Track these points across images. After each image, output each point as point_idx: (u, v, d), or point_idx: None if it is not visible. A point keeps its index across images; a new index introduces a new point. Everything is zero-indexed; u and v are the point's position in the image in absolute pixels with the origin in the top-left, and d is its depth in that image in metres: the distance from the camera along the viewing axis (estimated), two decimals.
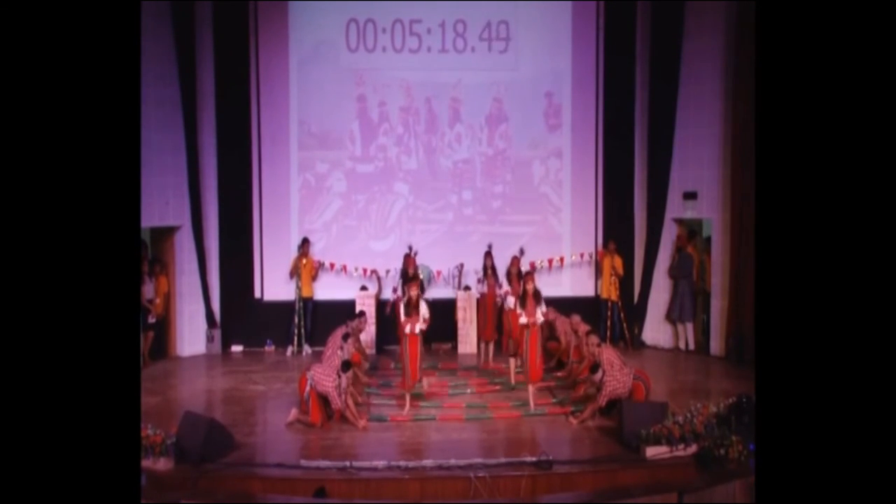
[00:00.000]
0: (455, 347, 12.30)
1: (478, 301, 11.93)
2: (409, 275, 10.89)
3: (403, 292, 10.39)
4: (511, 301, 9.75)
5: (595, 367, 8.75)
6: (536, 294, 9.15)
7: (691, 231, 12.37)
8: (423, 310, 9.07)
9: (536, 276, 9.69)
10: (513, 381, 10.10)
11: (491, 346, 11.46)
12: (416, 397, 9.42)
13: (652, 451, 7.50)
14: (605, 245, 12.57)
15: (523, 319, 9.07)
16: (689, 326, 12.18)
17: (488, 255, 11.52)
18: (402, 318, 9.11)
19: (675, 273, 12.17)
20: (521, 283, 9.40)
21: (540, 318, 9.14)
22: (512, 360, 10.19)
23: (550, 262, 12.66)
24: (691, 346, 12.17)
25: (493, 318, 11.38)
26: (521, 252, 11.16)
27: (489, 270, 11.43)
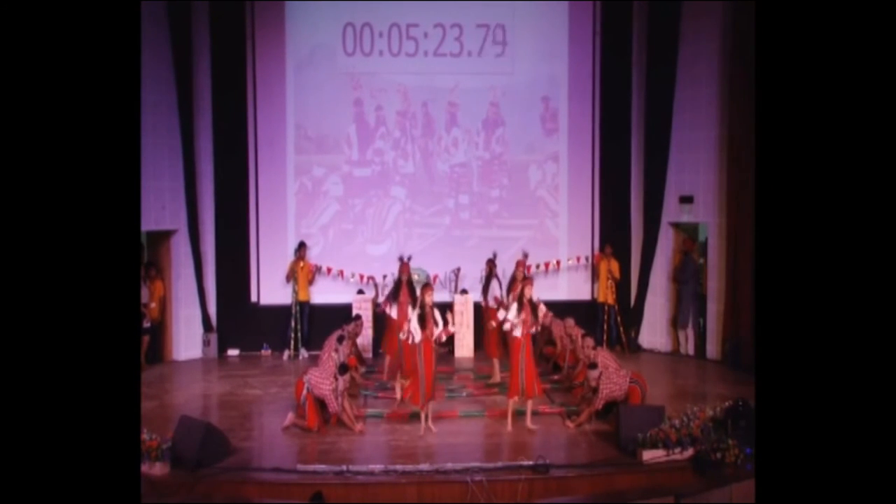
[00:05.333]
0: (451, 352, 12.29)
1: (478, 311, 11.77)
2: (405, 281, 10.45)
3: (395, 298, 10.02)
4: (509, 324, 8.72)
5: (593, 364, 8.76)
6: (532, 303, 8.68)
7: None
8: (438, 317, 8.47)
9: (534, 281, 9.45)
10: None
11: (496, 362, 10.60)
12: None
13: (648, 455, 7.50)
14: (601, 249, 12.57)
15: (513, 329, 8.53)
16: (692, 332, 12.17)
17: (491, 262, 11.15)
18: (415, 326, 8.39)
19: (679, 277, 12.16)
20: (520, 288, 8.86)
21: (513, 321, 8.54)
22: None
23: (547, 265, 12.67)
24: (691, 352, 12.15)
25: (494, 332, 10.49)
26: (525, 255, 10.86)
27: (490, 280, 10.96)
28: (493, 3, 12.56)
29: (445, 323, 8.56)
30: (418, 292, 10.26)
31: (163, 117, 11.50)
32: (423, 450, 7.99)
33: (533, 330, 8.76)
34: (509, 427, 8.59)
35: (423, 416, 8.51)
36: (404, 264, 10.78)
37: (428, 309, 8.46)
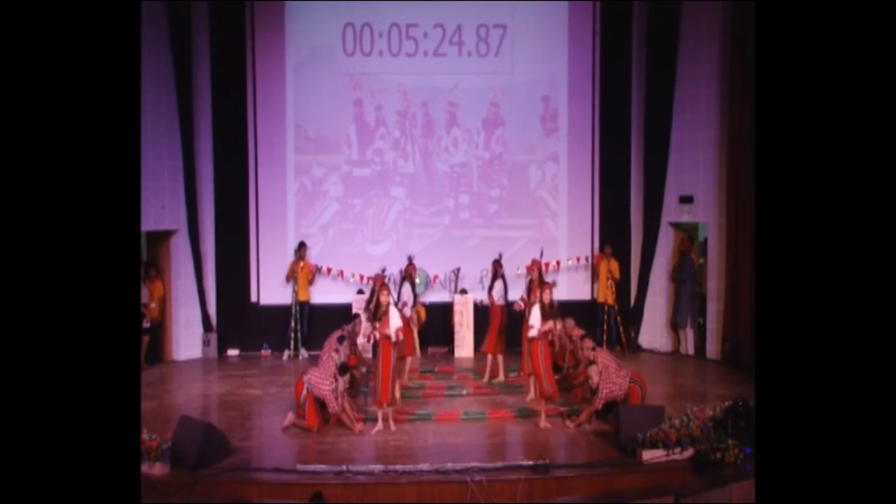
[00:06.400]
0: (451, 351, 12.29)
1: (480, 308, 11.74)
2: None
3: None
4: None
5: (593, 363, 8.76)
6: (550, 305, 8.78)
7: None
8: (395, 318, 8.54)
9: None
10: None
11: (500, 359, 10.57)
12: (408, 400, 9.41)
13: (648, 455, 7.50)
14: (601, 249, 12.56)
15: (533, 333, 8.66)
16: (691, 331, 12.18)
17: (497, 262, 10.97)
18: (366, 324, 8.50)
19: (677, 276, 12.17)
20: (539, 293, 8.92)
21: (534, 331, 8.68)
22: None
23: (547, 265, 12.64)
24: (691, 352, 12.15)
25: (498, 331, 10.49)
26: (542, 254, 10.83)
27: (495, 281, 10.75)
28: (493, 3, 12.56)
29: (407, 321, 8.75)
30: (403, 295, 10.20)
31: (162, 117, 11.49)
32: (423, 450, 7.99)
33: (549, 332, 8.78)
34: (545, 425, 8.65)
35: (380, 415, 8.50)
36: (410, 265, 10.78)
37: (384, 308, 8.54)
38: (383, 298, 8.66)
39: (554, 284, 9.36)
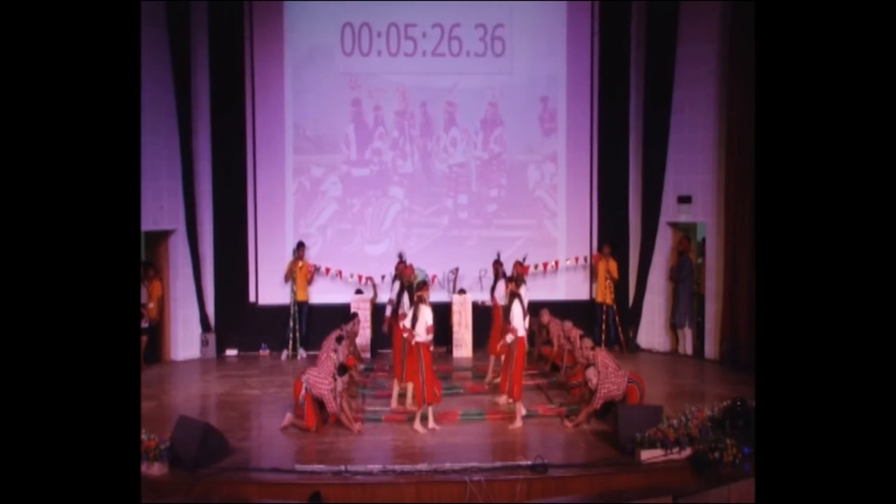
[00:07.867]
0: (450, 351, 12.29)
1: (480, 308, 11.74)
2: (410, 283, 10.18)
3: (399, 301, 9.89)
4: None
5: (591, 364, 8.78)
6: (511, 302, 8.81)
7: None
8: (427, 316, 8.69)
9: (530, 281, 9.40)
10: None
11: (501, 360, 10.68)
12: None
13: (647, 455, 7.50)
14: (600, 249, 12.58)
15: (510, 337, 8.75)
16: (689, 331, 12.19)
17: (497, 263, 10.97)
18: (422, 325, 8.57)
19: (675, 276, 12.18)
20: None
21: (519, 331, 8.75)
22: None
23: (545, 265, 12.67)
24: (689, 351, 12.16)
25: (500, 332, 10.39)
26: (524, 258, 10.95)
27: (497, 282, 10.80)
28: (491, 3, 12.57)
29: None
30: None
31: (161, 117, 11.48)
32: (422, 450, 7.99)
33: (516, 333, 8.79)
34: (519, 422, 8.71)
35: (429, 415, 8.56)
36: (404, 264, 10.72)
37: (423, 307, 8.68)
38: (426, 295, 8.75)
39: (510, 285, 9.26)
